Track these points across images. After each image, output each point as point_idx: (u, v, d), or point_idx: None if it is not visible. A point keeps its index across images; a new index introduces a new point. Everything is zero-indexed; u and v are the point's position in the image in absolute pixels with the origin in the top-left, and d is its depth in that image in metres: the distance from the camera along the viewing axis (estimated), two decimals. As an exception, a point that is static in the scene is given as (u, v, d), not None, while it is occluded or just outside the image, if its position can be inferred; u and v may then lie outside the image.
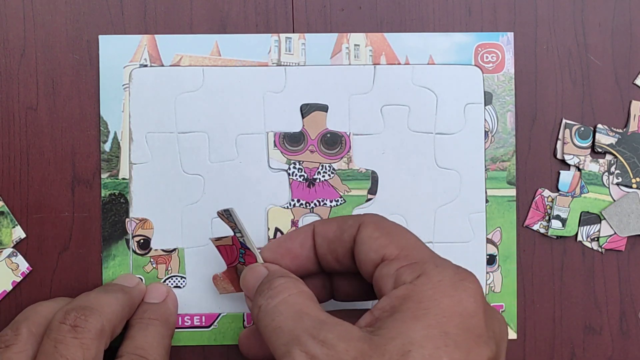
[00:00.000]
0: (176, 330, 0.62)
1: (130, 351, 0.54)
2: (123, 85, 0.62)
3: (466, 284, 0.47)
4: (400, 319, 0.45)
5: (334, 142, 0.63)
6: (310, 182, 0.62)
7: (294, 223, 0.62)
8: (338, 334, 0.45)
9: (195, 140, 0.62)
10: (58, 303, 0.57)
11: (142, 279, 0.62)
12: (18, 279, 0.62)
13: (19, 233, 0.62)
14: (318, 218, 0.62)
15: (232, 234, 0.58)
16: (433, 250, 0.51)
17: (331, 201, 0.63)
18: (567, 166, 0.64)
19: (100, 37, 0.62)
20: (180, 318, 0.62)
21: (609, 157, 0.64)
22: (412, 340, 0.44)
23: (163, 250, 0.62)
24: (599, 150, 0.63)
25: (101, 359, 0.53)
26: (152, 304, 0.59)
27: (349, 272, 0.55)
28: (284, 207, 0.62)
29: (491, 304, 0.62)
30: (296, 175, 0.62)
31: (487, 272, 0.63)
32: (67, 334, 0.51)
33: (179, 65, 0.62)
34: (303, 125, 0.62)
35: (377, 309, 0.47)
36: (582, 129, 0.63)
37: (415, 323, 0.44)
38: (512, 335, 0.63)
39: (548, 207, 0.63)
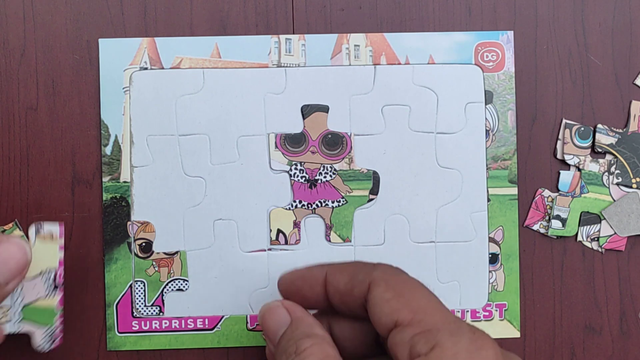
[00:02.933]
0: (180, 332, 0.62)
1: None
2: (123, 88, 0.62)
3: (482, 353, 0.45)
4: None
5: (335, 142, 0.63)
6: (312, 183, 0.63)
7: (295, 224, 0.62)
8: None
9: (196, 143, 0.62)
10: None
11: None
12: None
13: None
14: (320, 219, 0.62)
15: None
16: (447, 310, 0.49)
17: (333, 202, 0.63)
18: (567, 166, 0.64)
19: (100, 40, 0.62)
20: (183, 321, 0.62)
21: (609, 157, 0.64)
22: None
23: (165, 254, 0.62)
24: (599, 150, 0.63)
25: None
26: None
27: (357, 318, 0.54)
28: (286, 209, 0.62)
29: (494, 303, 0.63)
30: (297, 176, 0.62)
31: (489, 271, 0.63)
32: None
33: (179, 68, 0.62)
34: (304, 126, 0.62)
35: None
36: (582, 129, 0.63)
37: None
38: (516, 334, 0.64)
39: (548, 207, 0.64)
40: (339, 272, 0.53)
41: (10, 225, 0.62)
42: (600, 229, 0.64)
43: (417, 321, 0.47)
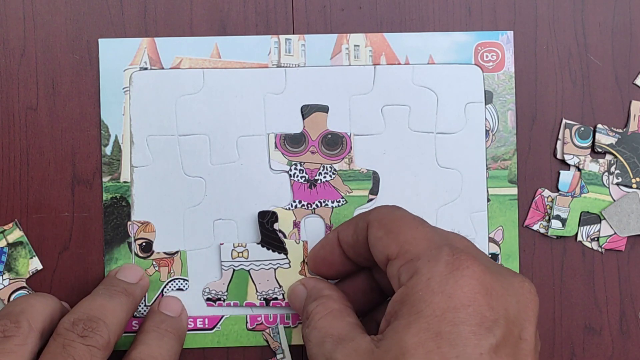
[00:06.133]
0: (179, 332, 0.62)
1: (144, 358, 0.54)
2: (123, 88, 0.62)
3: (459, 273, 0.46)
4: (395, 328, 0.46)
5: (334, 142, 0.63)
6: (312, 183, 0.63)
7: (295, 224, 0.62)
8: (346, 353, 0.47)
9: (196, 143, 0.62)
10: (47, 300, 0.56)
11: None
12: None
13: (35, 264, 0.62)
14: (319, 219, 0.62)
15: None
16: (437, 236, 0.50)
17: (333, 202, 0.63)
18: (567, 166, 0.64)
19: (100, 40, 0.62)
20: (183, 321, 0.62)
21: (609, 157, 0.64)
22: (404, 349, 0.44)
23: (165, 253, 0.62)
24: (599, 150, 0.63)
25: None
26: (168, 317, 0.59)
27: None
28: (286, 209, 0.62)
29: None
30: (297, 176, 0.62)
31: (488, 272, 0.63)
32: (76, 339, 0.51)
33: (179, 68, 0.62)
34: (304, 127, 0.62)
35: (387, 313, 0.48)
36: (582, 129, 0.63)
37: (408, 330, 0.45)
38: (514, 334, 0.64)
39: (548, 207, 0.64)
40: (346, 227, 0.56)
41: (11, 225, 0.62)
42: (600, 229, 0.64)
43: (402, 253, 0.49)
